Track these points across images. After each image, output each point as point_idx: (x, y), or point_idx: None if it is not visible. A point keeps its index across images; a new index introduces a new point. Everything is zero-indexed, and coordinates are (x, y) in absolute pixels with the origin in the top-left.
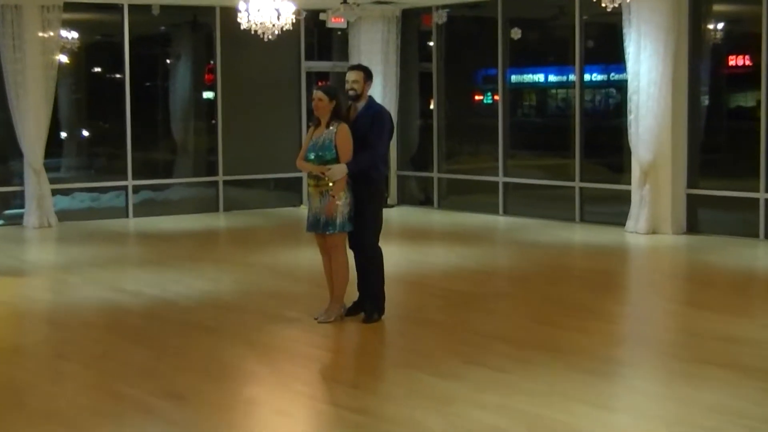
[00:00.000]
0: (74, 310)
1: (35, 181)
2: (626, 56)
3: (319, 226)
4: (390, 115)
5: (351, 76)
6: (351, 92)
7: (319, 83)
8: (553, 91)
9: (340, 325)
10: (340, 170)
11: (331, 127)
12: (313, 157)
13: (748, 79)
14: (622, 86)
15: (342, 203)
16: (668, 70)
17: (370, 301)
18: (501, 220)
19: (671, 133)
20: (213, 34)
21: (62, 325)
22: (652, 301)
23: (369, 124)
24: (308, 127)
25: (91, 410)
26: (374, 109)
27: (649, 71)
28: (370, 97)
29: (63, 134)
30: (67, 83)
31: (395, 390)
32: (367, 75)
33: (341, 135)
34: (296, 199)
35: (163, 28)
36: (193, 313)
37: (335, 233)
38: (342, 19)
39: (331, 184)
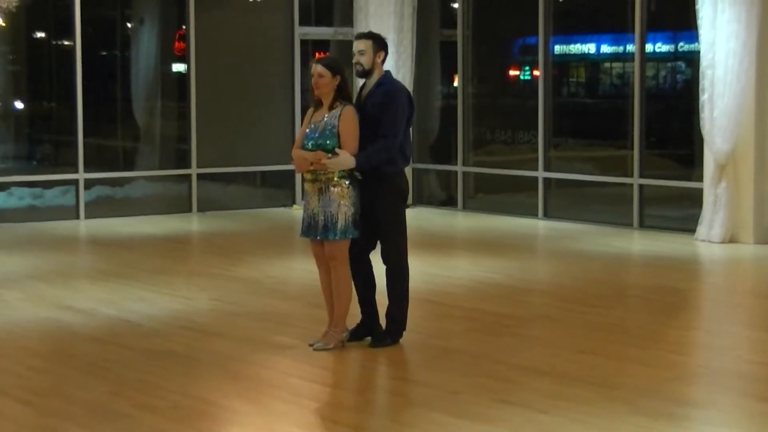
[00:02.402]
0: (11, 333)
1: None
2: (699, 21)
3: (316, 230)
4: (408, 93)
5: (357, 45)
6: (357, 67)
7: (317, 55)
8: (607, 65)
9: (341, 353)
10: (344, 161)
11: (334, 110)
12: (310, 146)
13: None
14: (693, 59)
15: (345, 203)
16: (752, 39)
17: (390, 321)
18: (541, 225)
19: (755, 118)
20: None
21: None
22: (729, 327)
23: (380, 105)
24: (305, 109)
25: None
26: (386, 87)
27: (727, 40)
28: (386, 72)
29: None
30: (2, 51)
31: None
32: (378, 44)
33: (346, 119)
34: (288, 198)
35: None
36: (160, 339)
37: (336, 240)
38: None
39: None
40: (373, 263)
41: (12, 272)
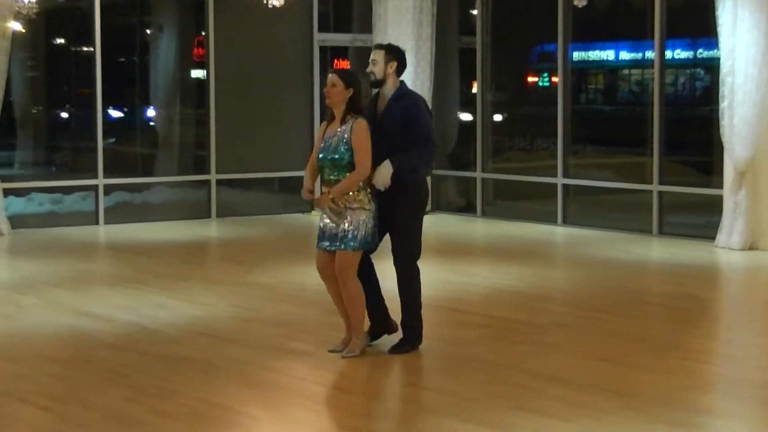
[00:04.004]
0: (29, 339)
1: None
2: (719, 29)
3: (334, 239)
4: (425, 101)
5: (372, 56)
6: (370, 76)
7: (336, 62)
8: (626, 71)
9: (358, 359)
10: (386, 173)
11: (346, 123)
12: (325, 161)
13: None
14: (712, 66)
15: (365, 216)
16: None
17: (406, 329)
18: (559, 232)
19: None
20: None
21: (14, 359)
22: (748, 336)
23: (400, 118)
24: (323, 114)
25: None
26: (406, 100)
27: (747, 48)
28: (401, 82)
29: (16, 121)
30: (23, 58)
31: None
32: (392, 54)
33: (358, 133)
34: (305, 204)
35: None
36: (177, 345)
37: (351, 251)
38: None
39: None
40: (374, 263)
41: (30, 278)
